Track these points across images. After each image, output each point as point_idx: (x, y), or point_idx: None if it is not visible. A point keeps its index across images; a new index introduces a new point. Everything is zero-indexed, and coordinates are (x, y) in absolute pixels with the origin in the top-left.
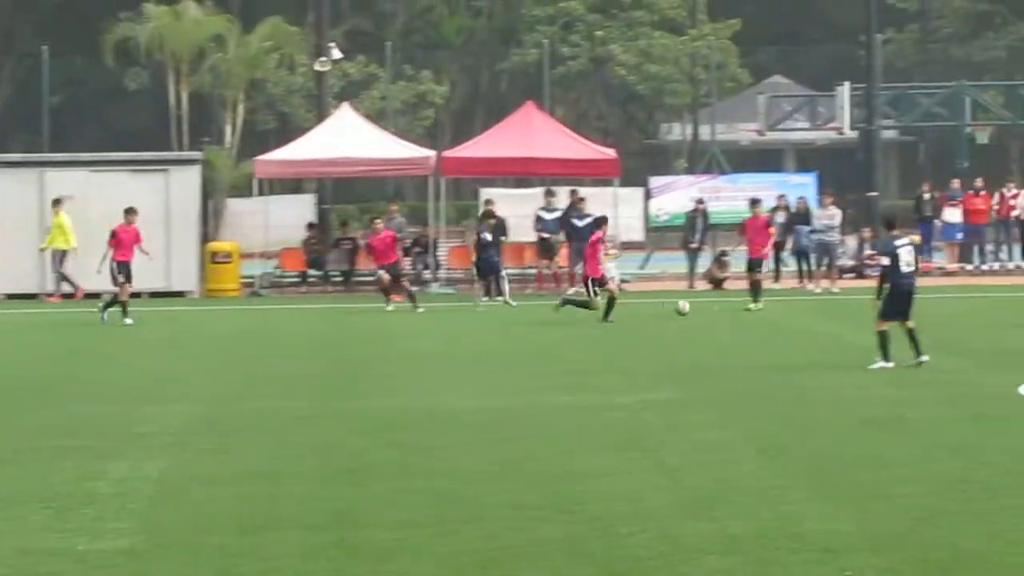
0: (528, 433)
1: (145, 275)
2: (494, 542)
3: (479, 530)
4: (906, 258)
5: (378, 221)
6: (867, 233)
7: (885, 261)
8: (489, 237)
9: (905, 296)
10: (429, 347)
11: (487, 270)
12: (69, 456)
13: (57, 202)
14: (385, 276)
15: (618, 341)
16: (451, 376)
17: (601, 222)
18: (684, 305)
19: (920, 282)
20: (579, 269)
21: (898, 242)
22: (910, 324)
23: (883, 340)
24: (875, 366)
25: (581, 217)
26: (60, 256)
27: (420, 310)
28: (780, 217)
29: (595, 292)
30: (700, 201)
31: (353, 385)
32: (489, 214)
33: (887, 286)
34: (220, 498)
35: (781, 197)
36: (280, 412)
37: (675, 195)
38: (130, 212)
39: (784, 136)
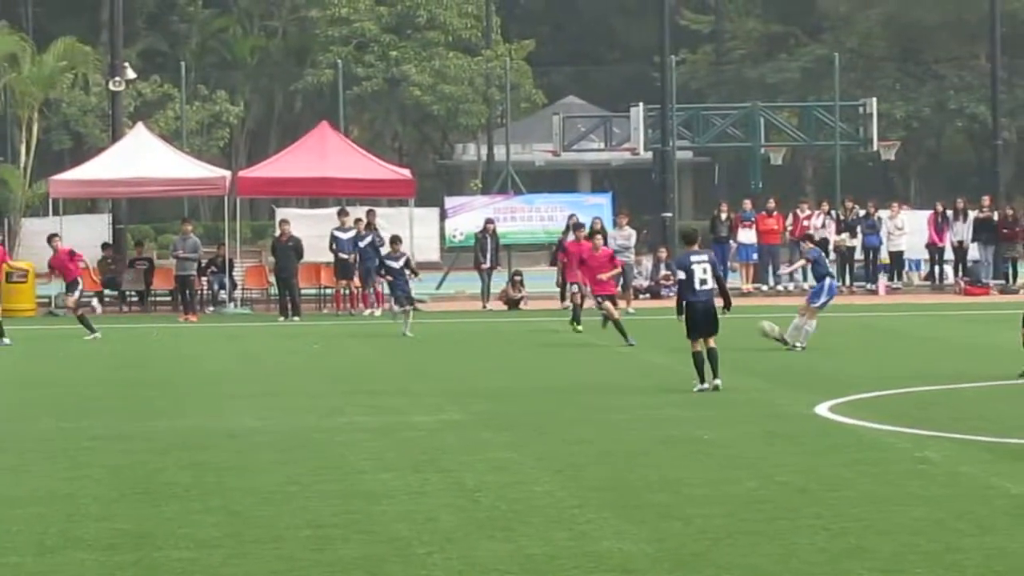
0: (324, 453)
1: None
2: (291, 563)
3: (275, 550)
4: (700, 275)
5: (56, 238)
6: (663, 253)
7: (680, 275)
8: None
9: (701, 313)
10: (225, 367)
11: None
12: None
13: None
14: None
15: (415, 361)
16: (247, 396)
17: (395, 240)
18: (770, 327)
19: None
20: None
21: (694, 257)
22: (711, 343)
23: (697, 361)
24: (696, 389)
25: (363, 238)
26: None
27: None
28: (572, 237)
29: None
30: (489, 221)
31: (148, 405)
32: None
33: (685, 303)
34: (16, 518)
35: (572, 216)
36: (75, 432)
37: (471, 215)
38: None
39: (579, 157)
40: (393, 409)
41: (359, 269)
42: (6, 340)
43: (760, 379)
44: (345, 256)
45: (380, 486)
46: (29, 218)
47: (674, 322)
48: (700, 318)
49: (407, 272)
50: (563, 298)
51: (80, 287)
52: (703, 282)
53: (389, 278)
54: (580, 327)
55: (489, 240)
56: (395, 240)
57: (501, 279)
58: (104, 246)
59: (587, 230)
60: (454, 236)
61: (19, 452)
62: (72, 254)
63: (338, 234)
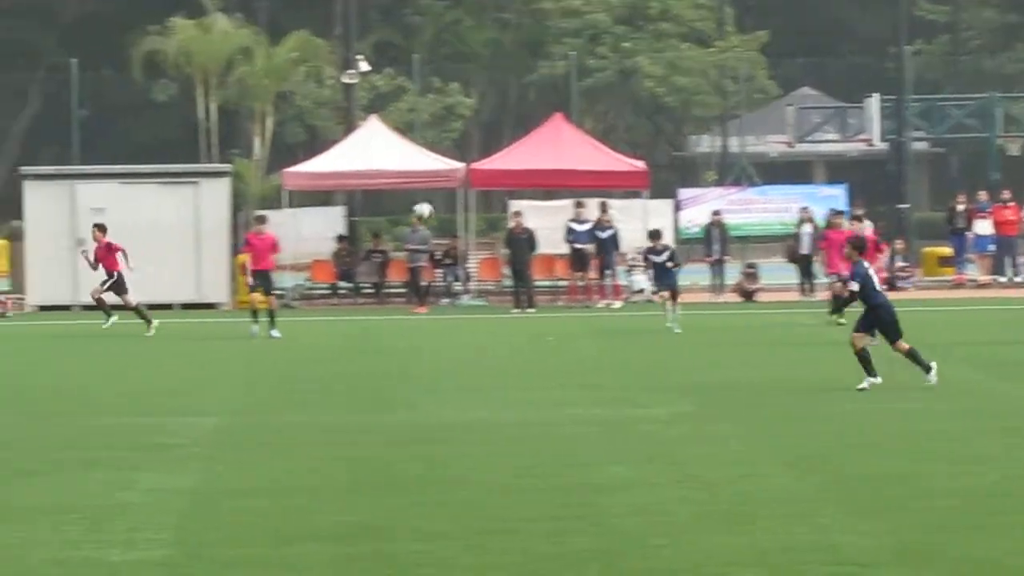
0: (556, 445)
1: (176, 287)
2: (526, 555)
3: (509, 542)
4: (875, 281)
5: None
6: (899, 245)
7: (854, 286)
8: None
9: (893, 314)
10: (458, 359)
11: None
12: (100, 467)
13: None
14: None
15: (644, 355)
16: (480, 388)
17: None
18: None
19: (954, 295)
20: (608, 280)
21: (866, 263)
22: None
23: (863, 357)
24: (864, 384)
25: (604, 229)
26: None
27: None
28: (807, 229)
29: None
30: (716, 213)
31: (380, 397)
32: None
33: (865, 307)
34: (253, 509)
35: (804, 209)
36: (309, 425)
37: (704, 207)
38: (260, 220)
39: (813, 148)
40: (625, 401)
41: (598, 261)
42: (255, 328)
43: (987, 373)
44: (581, 247)
45: (612, 479)
46: (264, 211)
47: (905, 313)
48: (892, 319)
49: (670, 265)
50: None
51: (116, 280)
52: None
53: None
54: (843, 319)
55: (716, 232)
56: (655, 235)
57: (735, 271)
58: (339, 238)
59: (847, 219)
60: (688, 228)
61: (256, 445)
62: (110, 247)
63: (574, 226)
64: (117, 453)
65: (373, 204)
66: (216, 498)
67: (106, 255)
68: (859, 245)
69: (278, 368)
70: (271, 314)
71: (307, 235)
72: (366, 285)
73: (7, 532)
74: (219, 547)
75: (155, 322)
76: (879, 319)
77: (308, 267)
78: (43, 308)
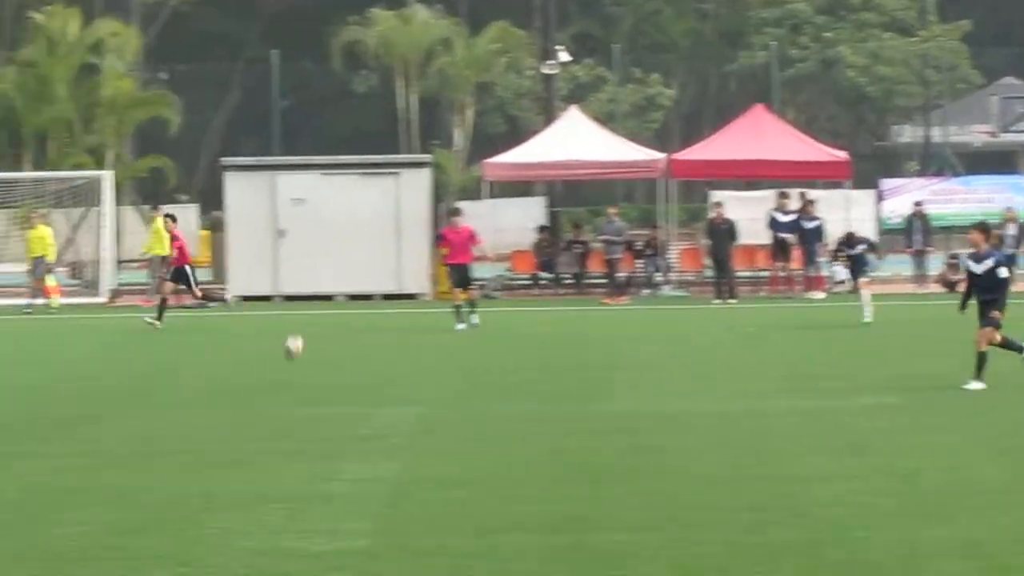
0: (758, 436)
1: (377, 278)
2: (730, 546)
3: (713, 533)
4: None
5: (167, 218)
6: None
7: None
8: None
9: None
10: (660, 350)
11: None
12: (304, 458)
13: (156, 208)
14: None
15: (846, 345)
16: (681, 379)
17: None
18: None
19: None
20: (811, 271)
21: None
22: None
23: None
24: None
25: (810, 219)
26: (159, 262)
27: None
28: (1012, 230)
29: None
30: (919, 203)
31: (583, 388)
32: None
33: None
34: (455, 500)
35: (1009, 210)
36: (512, 415)
37: (906, 197)
38: (455, 213)
39: (1018, 138)
40: (828, 392)
41: (803, 251)
42: (460, 325)
43: None
44: (783, 237)
45: (814, 469)
46: (464, 201)
47: None
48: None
49: (866, 253)
50: None
51: (183, 272)
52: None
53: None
54: None
55: (918, 222)
56: (850, 237)
57: (937, 262)
58: (541, 228)
59: None
60: (890, 218)
61: (459, 435)
62: (174, 239)
63: (777, 215)
64: (320, 444)
65: (573, 195)
66: (419, 488)
67: (469, 241)
68: None
69: (480, 358)
70: (472, 304)
71: (507, 226)
72: (567, 276)
73: (210, 521)
74: (421, 537)
75: (160, 324)
76: None
77: (508, 258)
78: (245, 298)
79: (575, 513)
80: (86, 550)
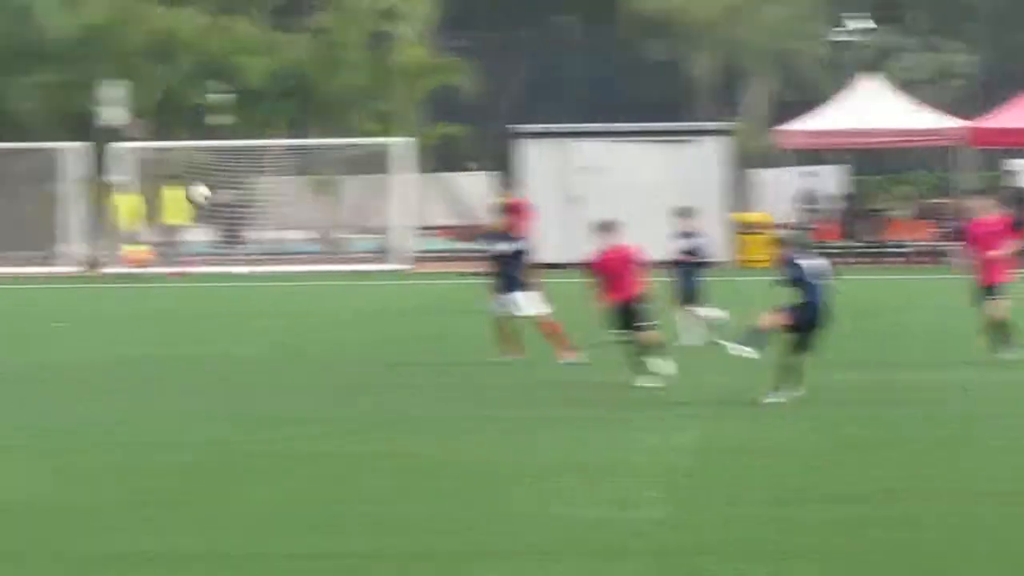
0: None
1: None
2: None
3: (999, 508)
4: None
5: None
6: None
7: None
8: None
9: None
10: (938, 321)
11: None
12: (602, 425)
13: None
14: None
15: None
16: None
17: None
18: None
19: None
20: None
21: None
22: None
23: None
24: None
25: None
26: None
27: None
28: None
29: None
30: None
31: (877, 355)
32: None
33: None
34: (753, 469)
35: None
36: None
37: None
38: (607, 228)
39: None
40: None
41: None
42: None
43: None
44: None
45: None
46: (762, 169)
47: None
48: None
49: None
50: None
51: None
52: None
53: None
54: None
55: None
56: None
57: None
58: (845, 197)
59: None
60: None
61: (754, 405)
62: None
63: None
64: (619, 413)
65: (872, 162)
66: (716, 457)
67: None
68: None
69: None
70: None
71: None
72: (866, 245)
73: (496, 488)
74: (717, 505)
75: None
76: None
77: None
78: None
79: (863, 488)
80: (382, 517)
